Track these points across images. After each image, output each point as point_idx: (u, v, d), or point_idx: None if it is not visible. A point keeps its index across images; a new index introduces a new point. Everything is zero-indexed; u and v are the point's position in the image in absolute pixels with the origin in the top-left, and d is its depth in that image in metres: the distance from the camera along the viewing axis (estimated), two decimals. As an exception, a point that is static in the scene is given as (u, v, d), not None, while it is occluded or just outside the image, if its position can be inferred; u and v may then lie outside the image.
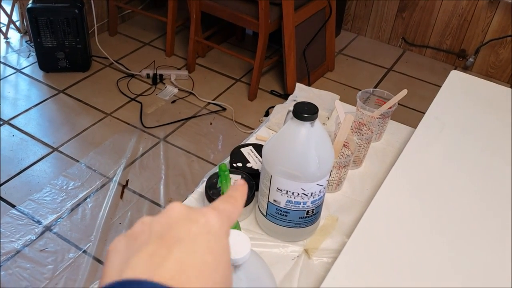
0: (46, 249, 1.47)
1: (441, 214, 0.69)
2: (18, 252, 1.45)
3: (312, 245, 0.74)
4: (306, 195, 0.69)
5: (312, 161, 0.66)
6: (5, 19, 2.47)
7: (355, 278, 0.60)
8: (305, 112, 0.64)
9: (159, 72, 2.25)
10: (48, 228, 1.53)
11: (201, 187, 0.82)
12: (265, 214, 0.74)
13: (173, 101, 2.14)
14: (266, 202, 0.72)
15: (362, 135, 0.92)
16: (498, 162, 0.79)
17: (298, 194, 0.68)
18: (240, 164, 0.83)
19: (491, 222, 0.69)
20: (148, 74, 2.25)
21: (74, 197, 1.64)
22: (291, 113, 0.66)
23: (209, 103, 2.15)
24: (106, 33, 2.55)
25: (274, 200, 0.71)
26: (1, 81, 2.19)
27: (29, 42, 2.44)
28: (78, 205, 1.62)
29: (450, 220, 0.69)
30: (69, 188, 1.67)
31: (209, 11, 2.17)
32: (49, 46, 2.15)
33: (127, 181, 1.72)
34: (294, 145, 0.65)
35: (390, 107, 0.93)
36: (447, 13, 2.48)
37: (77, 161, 1.79)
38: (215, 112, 2.10)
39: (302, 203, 0.70)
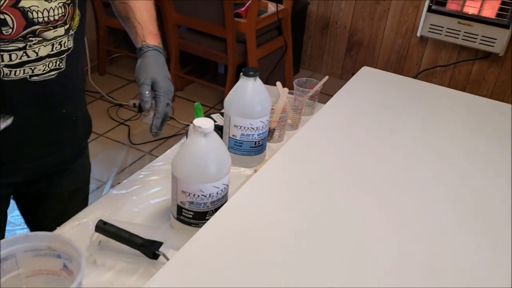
0: (52, 234, 1.75)
1: (342, 151, 1.05)
2: (28, 237, 1.73)
3: (260, 168, 1.09)
4: (254, 129, 1.04)
5: (257, 102, 1.02)
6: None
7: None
8: (251, 71, 1.01)
9: (144, 101, 2.62)
10: (53, 219, 1.82)
11: (183, 139, 1.17)
12: (227, 147, 1.08)
13: (157, 124, 2.49)
14: (228, 138, 1.07)
15: (296, 107, 1.29)
16: (393, 123, 1.15)
17: (248, 128, 1.04)
18: (210, 123, 1.18)
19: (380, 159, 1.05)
20: (134, 104, 2.62)
21: (74, 196, 1.94)
22: (241, 74, 1.03)
23: (187, 125, 2.51)
24: (96, 73, 2.93)
25: (233, 135, 1.06)
26: (5, 111, 2.51)
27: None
28: (77, 202, 1.91)
29: (351, 155, 1.04)
30: (70, 189, 1.97)
31: (186, 50, 2.59)
32: (49, 80, 2.50)
33: (119, 183, 2.03)
34: (245, 92, 1.02)
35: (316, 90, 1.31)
36: (387, 51, 2.97)
37: (75, 170, 2.10)
38: (193, 132, 2.46)
39: (251, 135, 1.05)
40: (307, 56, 3.21)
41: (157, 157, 2.23)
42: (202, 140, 0.81)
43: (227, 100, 1.04)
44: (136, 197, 0.99)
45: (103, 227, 0.81)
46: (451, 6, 2.64)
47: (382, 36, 2.94)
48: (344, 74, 3.14)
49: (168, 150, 1.15)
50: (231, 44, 2.36)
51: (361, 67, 1.46)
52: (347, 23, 2.99)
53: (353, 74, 3.23)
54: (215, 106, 2.72)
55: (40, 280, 0.70)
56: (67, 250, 0.67)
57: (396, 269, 0.71)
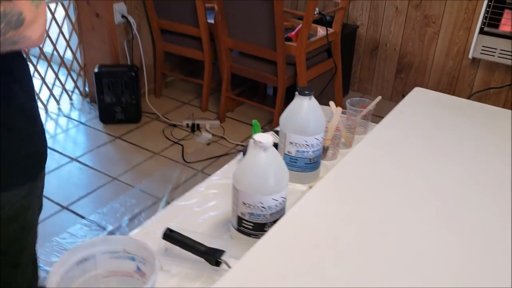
0: (111, 246, 1.84)
1: (397, 175, 1.07)
2: (89, 248, 1.83)
3: (315, 185, 1.12)
4: (308, 146, 1.08)
5: (312, 120, 1.06)
6: (70, 85, 3.03)
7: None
8: (307, 90, 1.05)
9: (196, 122, 2.73)
10: (111, 233, 1.91)
11: (241, 154, 1.23)
12: (283, 164, 1.13)
13: (208, 144, 2.58)
14: (283, 155, 1.11)
15: (350, 126, 1.32)
16: (447, 142, 1.16)
17: (303, 144, 1.08)
18: (266, 141, 1.23)
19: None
20: (187, 124, 2.72)
21: (131, 211, 2.04)
22: (296, 93, 1.08)
23: (238, 144, 2.58)
24: (153, 96, 3.08)
25: (288, 152, 1.10)
26: (69, 130, 2.68)
27: (89, 102, 2.98)
28: (134, 217, 2.01)
29: (405, 178, 1.06)
30: (128, 205, 2.08)
31: (237, 72, 2.68)
32: (109, 102, 2.66)
33: (173, 200, 2.11)
34: (300, 110, 1.06)
35: (369, 109, 1.34)
36: (438, 73, 2.94)
37: (132, 186, 2.21)
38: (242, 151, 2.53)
39: (306, 152, 1.09)
40: (356, 78, 3.23)
41: (209, 175, 2.32)
42: (262, 154, 0.86)
43: (283, 118, 1.09)
44: (198, 209, 1.04)
45: (169, 235, 0.87)
46: (504, 28, 2.60)
47: (433, 58, 2.92)
48: (394, 96, 3.13)
49: (226, 165, 1.21)
50: (282, 67, 2.43)
51: (411, 89, 1.48)
52: (397, 45, 3.00)
53: (403, 96, 3.24)
54: (264, 126, 2.78)
55: (115, 280, 0.76)
56: (141, 253, 0.73)
57: (452, 282, 0.72)
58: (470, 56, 2.73)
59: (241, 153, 1.22)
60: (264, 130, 2.74)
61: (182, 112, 2.91)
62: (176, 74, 3.16)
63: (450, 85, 2.93)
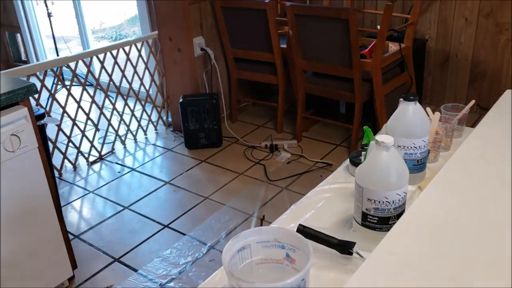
0: (213, 260, 1.96)
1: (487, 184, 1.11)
2: (193, 262, 1.96)
3: (423, 185, 1.19)
4: (416, 148, 1.15)
5: (418, 123, 1.14)
6: (155, 116, 3.26)
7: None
8: (412, 96, 1.13)
9: (274, 142, 2.85)
10: (212, 247, 2.04)
11: (346, 162, 1.32)
12: (390, 166, 1.20)
13: (288, 162, 2.69)
14: (391, 158, 1.19)
15: (447, 130, 1.37)
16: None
17: (410, 147, 1.15)
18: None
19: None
20: (266, 145, 2.85)
21: (226, 227, 2.16)
22: (401, 99, 1.16)
23: (317, 162, 2.67)
24: (229, 122, 3.25)
25: (396, 155, 1.18)
26: (158, 157, 2.89)
27: (172, 130, 3.19)
28: (230, 232, 2.13)
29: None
30: (222, 221, 2.20)
31: (312, 92, 2.79)
32: (193, 129, 2.84)
33: (263, 216, 2.22)
34: (406, 115, 1.14)
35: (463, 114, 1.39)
36: (514, 79, 2.91)
37: (224, 204, 2.34)
38: (323, 168, 2.61)
39: (413, 154, 1.16)
40: (428, 91, 3.25)
41: (294, 191, 2.41)
42: (385, 153, 0.95)
43: (390, 123, 1.17)
44: (314, 211, 1.14)
45: (303, 230, 0.96)
46: None
47: (508, 65, 2.90)
48: (468, 106, 3.11)
49: (333, 173, 1.30)
50: (358, 83, 2.51)
51: (486, 98, 1.52)
52: (468, 55, 3.00)
53: (478, 106, 3.22)
54: (341, 143, 2.85)
55: (266, 267, 0.87)
56: (291, 241, 0.83)
57: None
58: (548, 59, 2.69)
59: (348, 160, 1.31)
60: (342, 147, 2.81)
61: (258, 135, 3.04)
62: (248, 99, 3.32)
63: (528, 91, 2.88)
